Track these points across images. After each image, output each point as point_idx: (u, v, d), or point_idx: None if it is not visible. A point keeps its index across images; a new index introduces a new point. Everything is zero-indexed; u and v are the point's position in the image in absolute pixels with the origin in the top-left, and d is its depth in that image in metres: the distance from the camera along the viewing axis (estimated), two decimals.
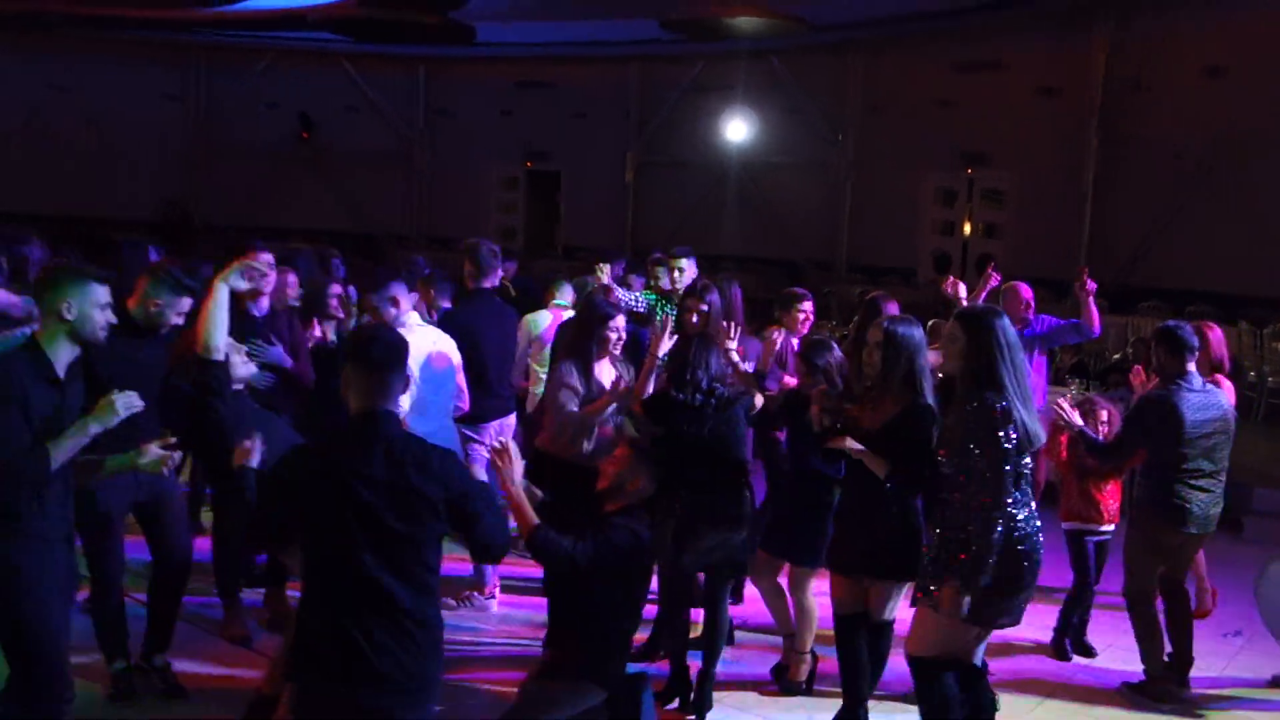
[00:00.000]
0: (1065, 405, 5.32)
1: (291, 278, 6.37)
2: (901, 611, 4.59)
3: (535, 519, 3.82)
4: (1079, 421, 5.28)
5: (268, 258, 5.59)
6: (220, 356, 4.54)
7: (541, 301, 7.09)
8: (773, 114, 18.63)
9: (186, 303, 4.53)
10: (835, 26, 16.60)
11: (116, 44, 21.64)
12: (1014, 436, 3.83)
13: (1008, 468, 3.84)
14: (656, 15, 14.59)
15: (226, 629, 5.33)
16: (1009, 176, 16.92)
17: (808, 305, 6.20)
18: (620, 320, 5.27)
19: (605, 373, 5.21)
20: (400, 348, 3.23)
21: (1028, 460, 3.98)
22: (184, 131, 22.92)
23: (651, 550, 4.20)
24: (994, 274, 6.63)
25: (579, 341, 5.24)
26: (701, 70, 19.92)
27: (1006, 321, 4.00)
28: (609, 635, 4.05)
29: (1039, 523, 3.99)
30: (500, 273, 6.55)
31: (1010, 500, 3.86)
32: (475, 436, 5.94)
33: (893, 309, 5.51)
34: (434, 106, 22.74)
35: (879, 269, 17.79)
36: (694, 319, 5.32)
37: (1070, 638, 5.74)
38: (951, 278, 6.26)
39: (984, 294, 6.54)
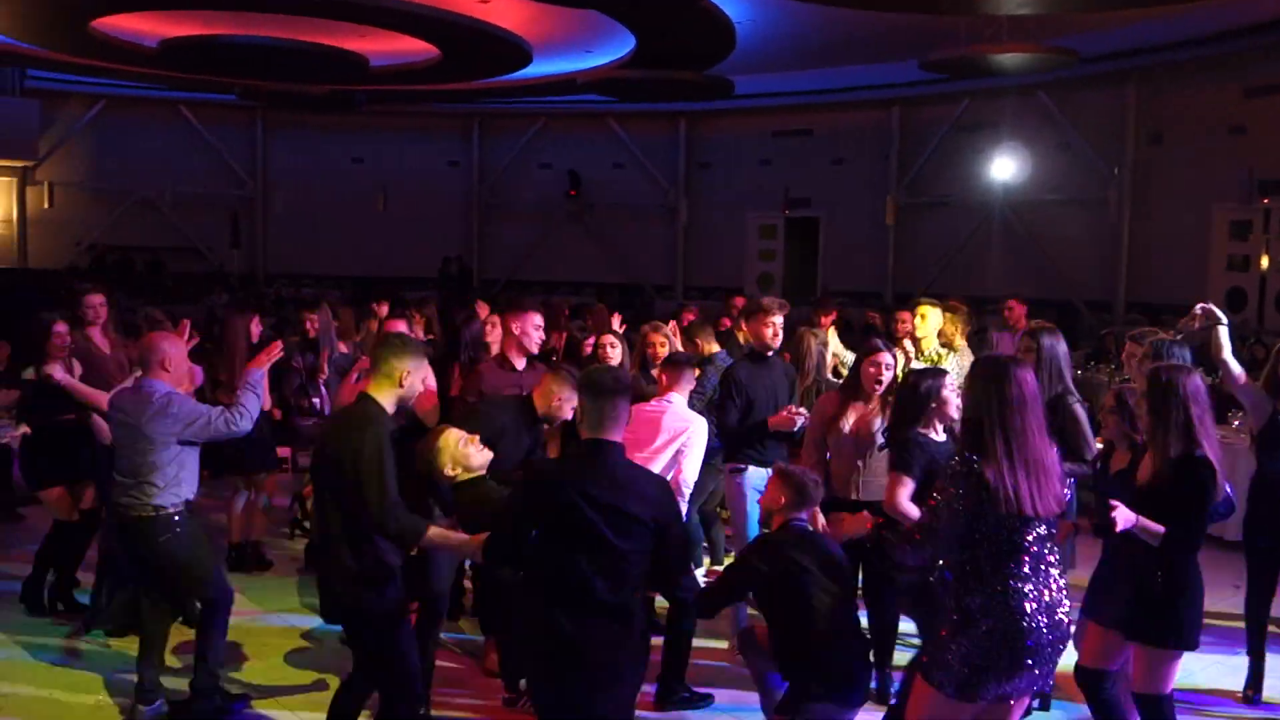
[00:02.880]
0: None
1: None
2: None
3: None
4: None
5: (538, 319, 5.91)
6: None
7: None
8: (1042, 150, 17.93)
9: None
10: (1109, 56, 15.83)
11: (405, 117, 23.59)
12: (1001, 506, 3.37)
13: (1014, 539, 3.41)
14: (917, 56, 14.40)
15: (487, 661, 5.65)
16: None
17: None
18: (885, 358, 5.30)
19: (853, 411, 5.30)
20: (624, 382, 3.75)
21: (1038, 533, 3.45)
22: (464, 194, 24.60)
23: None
24: None
25: (847, 379, 5.47)
26: (965, 109, 19.49)
27: (1021, 374, 3.48)
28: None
29: (1050, 599, 3.47)
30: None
31: (1004, 575, 3.41)
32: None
33: (1183, 355, 5.18)
34: (694, 159, 23.37)
35: (1163, 308, 16.68)
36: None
37: None
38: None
39: None
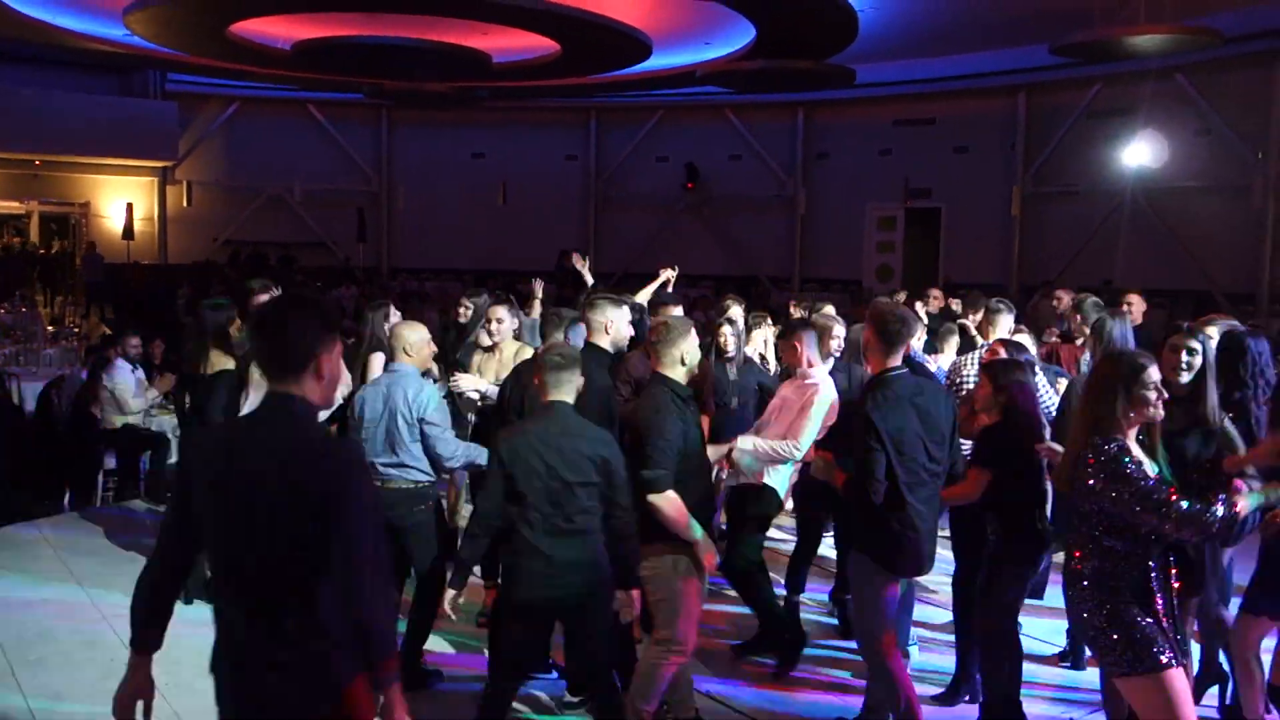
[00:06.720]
0: None
1: None
2: None
3: None
4: None
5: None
6: None
7: None
8: (1179, 136, 17.17)
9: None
10: (1255, 35, 15.07)
11: (525, 113, 23.90)
12: None
13: None
14: (1047, 41, 13.91)
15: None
16: None
17: None
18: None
19: None
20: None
21: None
22: (581, 187, 24.82)
23: None
24: None
25: None
26: (1097, 94, 18.84)
27: None
28: None
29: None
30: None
31: None
32: None
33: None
34: (812, 149, 23.12)
35: None
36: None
37: None
38: None
39: None
